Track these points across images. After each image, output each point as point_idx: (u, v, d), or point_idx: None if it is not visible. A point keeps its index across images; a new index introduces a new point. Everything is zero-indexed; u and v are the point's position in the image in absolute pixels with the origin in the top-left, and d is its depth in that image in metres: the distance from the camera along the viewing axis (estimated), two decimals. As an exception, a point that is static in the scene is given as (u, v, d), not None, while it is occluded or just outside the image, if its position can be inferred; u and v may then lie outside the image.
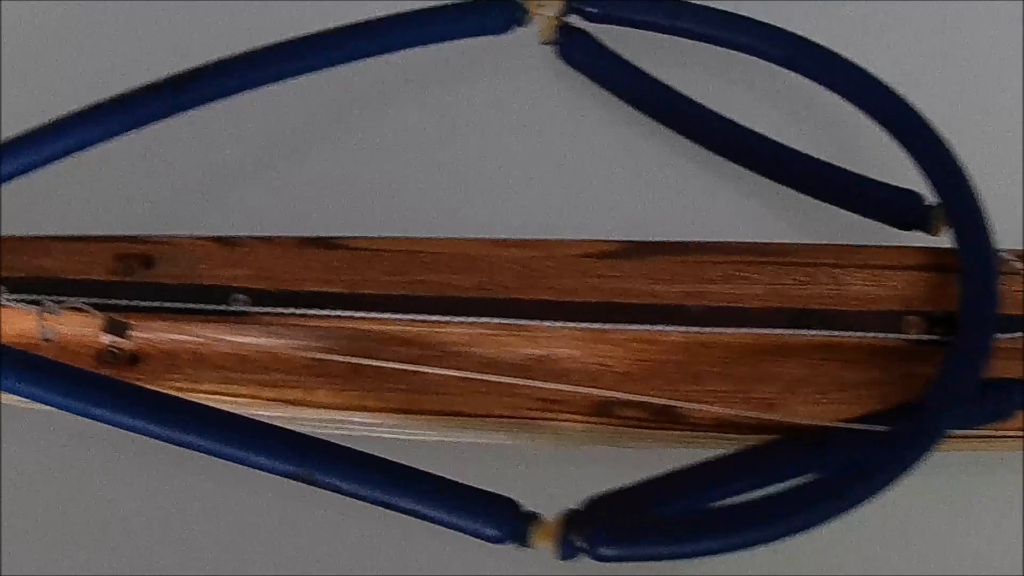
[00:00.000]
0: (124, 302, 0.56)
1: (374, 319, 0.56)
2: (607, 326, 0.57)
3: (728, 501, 0.56)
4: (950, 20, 0.77)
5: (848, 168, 0.64)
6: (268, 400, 0.57)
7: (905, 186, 0.64)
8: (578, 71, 0.64)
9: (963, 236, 0.61)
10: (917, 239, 0.64)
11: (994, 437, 0.61)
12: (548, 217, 0.60)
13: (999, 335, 0.60)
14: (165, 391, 0.54)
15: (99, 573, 0.55)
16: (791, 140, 0.63)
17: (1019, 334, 0.61)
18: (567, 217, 0.60)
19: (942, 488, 0.63)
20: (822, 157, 0.65)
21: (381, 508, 0.52)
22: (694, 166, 0.63)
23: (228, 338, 0.56)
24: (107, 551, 0.55)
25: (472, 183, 0.61)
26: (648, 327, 0.57)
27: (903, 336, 0.59)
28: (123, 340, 0.56)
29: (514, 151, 0.62)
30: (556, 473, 0.58)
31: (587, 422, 0.57)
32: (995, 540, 0.64)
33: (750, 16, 0.62)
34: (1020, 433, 0.62)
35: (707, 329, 0.57)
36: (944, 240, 0.63)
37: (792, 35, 0.63)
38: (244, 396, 0.57)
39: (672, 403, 0.57)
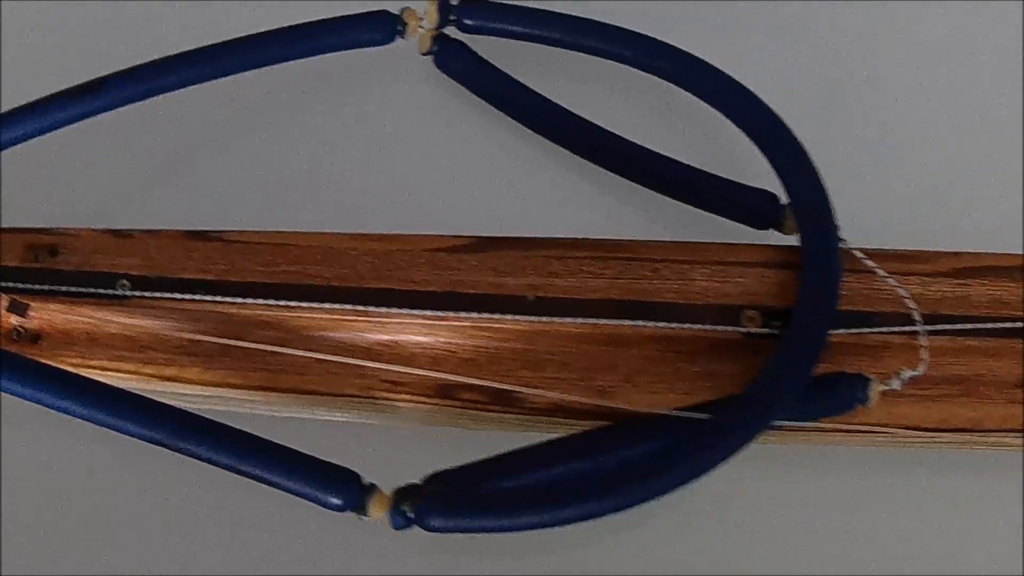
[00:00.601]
0: (30, 286, 0.64)
1: (241, 304, 0.62)
2: (450, 314, 0.62)
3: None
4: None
5: (707, 169, 0.67)
6: (148, 376, 0.63)
7: (761, 187, 0.66)
8: (453, 79, 0.69)
9: (807, 234, 0.63)
10: (774, 238, 0.66)
11: (838, 431, 0.63)
12: (410, 214, 0.65)
13: (842, 330, 0.62)
14: (61, 366, 0.62)
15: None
16: (657, 143, 0.66)
17: (865, 329, 0.63)
18: (427, 214, 0.65)
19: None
20: (690, 160, 0.68)
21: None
22: (562, 169, 0.67)
23: (114, 319, 0.63)
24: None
25: (343, 182, 0.67)
26: (487, 315, 0.61)
27: (740, 329, 0.62)
28: (25, 319, 0.64)
29: (385, 154, 0.68)
30: (407, 452, 0.63)
31: (430, 403, 0.62)
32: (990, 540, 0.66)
33: (616, 24, 0.65)
34: (866, 428, 0.64)
35: (544, 319, 0.61)
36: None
37: (652, 40, 0.66)
38: (128, 372, 0.64)
39: (510, 388, 0.62)
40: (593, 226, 0.65)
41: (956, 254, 0.67)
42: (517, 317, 0.61)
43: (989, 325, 0.65)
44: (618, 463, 0.59)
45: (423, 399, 0.62)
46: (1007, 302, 0.66)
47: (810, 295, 0.61)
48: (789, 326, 0.61)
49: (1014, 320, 0.65)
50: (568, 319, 0.61)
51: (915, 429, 0.64)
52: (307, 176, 0.66)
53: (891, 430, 0.64)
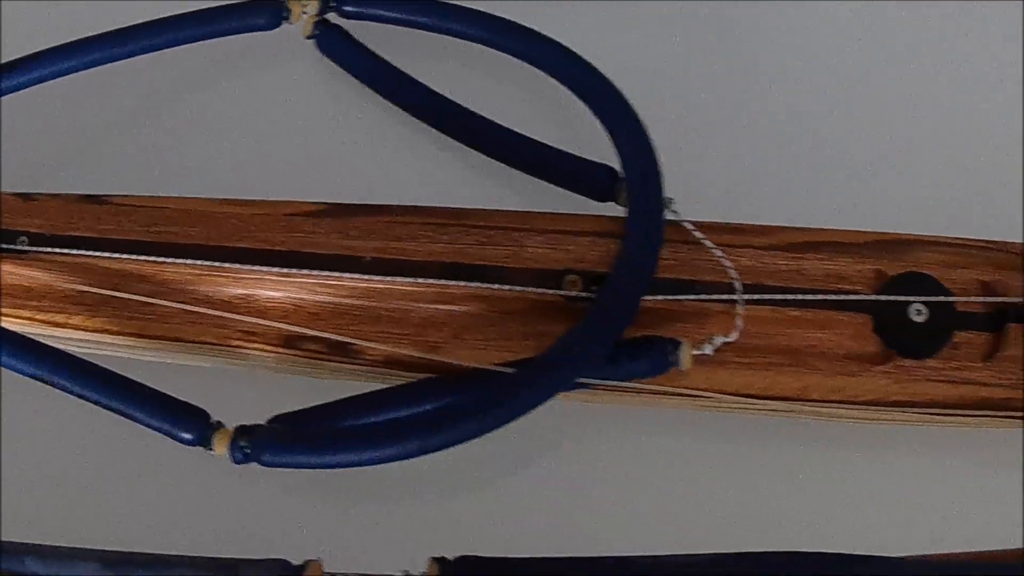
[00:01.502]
0: (-52, 242, 0.72)
1: (123, 260, 0.70)
2: (295, 271, 0.68)
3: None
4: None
5: (556, 146, 0.71)
6: (42, 322, 0.71)
7: (601, 161, 0.70)
8: (332, 60, 0.75)
9: (632, 204, 0.68)
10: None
11: (656, 392, 0.67)
12: (280, 182, 0.72)
13: (661, 296, 0.66)
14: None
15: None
16: (517, 120, 0.71)
17: (684, 296, 0.67)
18: (296, 183, 0.72)
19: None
20: (548, 136, 0.72)
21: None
22: (426, 143, 0.73)
23: (15, 271, 0.71)
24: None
25: (225, 153, 0.74)
26: (328, 273, 0.67)
27: (561, 292, 0.67)
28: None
29: (264, 129, 0.74)
30: (271, 398, 0.69)
31: (278, 352, 0.68)
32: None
33: (478, 9, 0.71)
34: (684, 391, 0.67)
35: (378, 277, 0.67)
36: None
37: (507, 22, 0.71)
38: (26, 319, 0.71)
39: (347, 340, 0.67)
40: (452, 196, 0.70)
41: (797, 229, 0.70)
42: (355, 275, 0.67)
43: (809, 296, 0.67)
44: (434, 412, 0.64)
45: (272, 348, 0.68)
46: (844, 276, 0.69)
47: (625, 262, 0.65)
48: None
49: (848, 293, 0.68)
50: (403, 279, 0.67)
51: (736, 395, 0.67)
52: (194, 147, 0.73)
53: (710, 394, 0.67)
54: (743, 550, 0.62)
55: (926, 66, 0.80)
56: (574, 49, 0.70)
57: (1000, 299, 0.70)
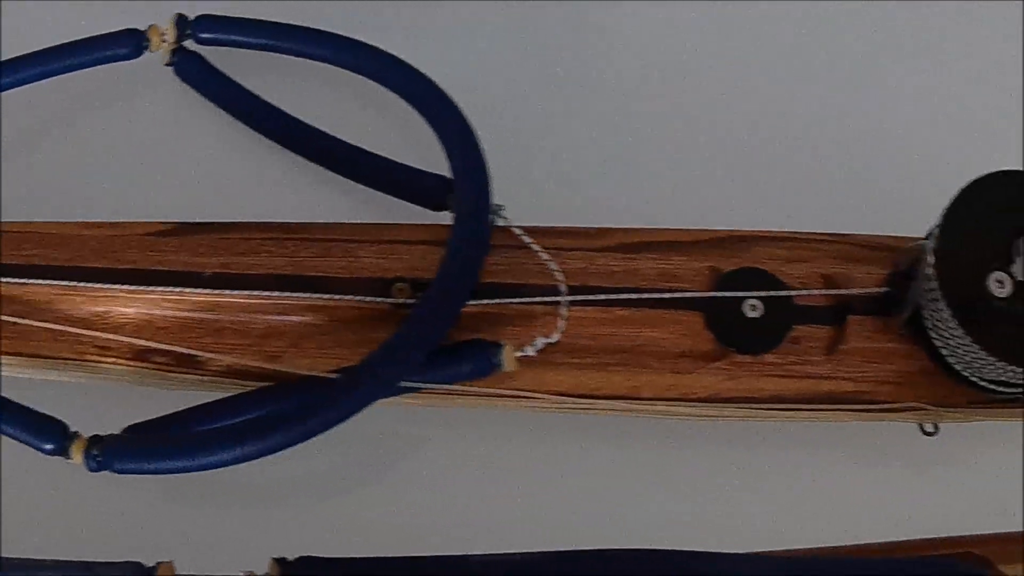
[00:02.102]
0: None
1: (-3, 283, 0.73)
2: (145, 288, 0.71)
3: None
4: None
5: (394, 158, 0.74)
6: (-72, 340, 0.75)
7: (434, 171, 0.73)
8: (190, 86, 0.78)
9: (458, 211, 0.70)
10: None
11: (485, 394, 0.69)
12: (139, 204, 0.75)
13: (486, 301, 0.68)
14: None
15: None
16: (358, 134, 0.74)
17: (509, 300, 0.69)
18: (153, 204, 0.75)
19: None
20: (405, 152, 0.75)
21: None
22: (280, 163, 0.76)
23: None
24: None
25: (90, 177, 0.78)
26: (173, 289, 0.71)
27: (389, 300, 0.69)
28: None
29: (127, 154, 0.78)
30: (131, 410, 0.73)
31: (130, 365, 0.71)
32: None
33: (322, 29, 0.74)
34: (514, 392, 0.69)
35: (218, 291, 0.70)
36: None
37: (346, 40, 0.74)
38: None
39: (192, 352, 0.70)
40: (304, 212, 0.73)
41: (631, 230, 0.72)
42: (197, 290, 0.70)
43: (635, 296, 0.68)
44: (263, 418, 0.67)
45: (125, 362, 0.71)
46: (678, 275, 0.70)
47: (447, 267, 0.67)
48: (430, 296, 0.67)
49: (680, 291, 0.69)
50: (241, 292, 0.69)
51: (567, 395, 0.69)
52: (62, 175, 0.77)
53: (540, 395, 0.69)
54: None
55: (761, 61, 0.81)
56: (406, 58, 0.72)
57: (841, 291, 0.70)
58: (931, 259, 0.66)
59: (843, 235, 0.73)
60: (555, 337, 0.67)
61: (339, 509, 0.73)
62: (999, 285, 0.64)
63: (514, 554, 0.63)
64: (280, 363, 0.69)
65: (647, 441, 0.76)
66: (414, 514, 0.73)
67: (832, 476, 0.76)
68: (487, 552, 0.62)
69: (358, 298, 0.68)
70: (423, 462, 0.74)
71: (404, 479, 0.74)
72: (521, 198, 0.71)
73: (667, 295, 0.68)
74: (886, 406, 0.72)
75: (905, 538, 0.71)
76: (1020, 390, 0.71)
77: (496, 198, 0.70)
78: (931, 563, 0.69)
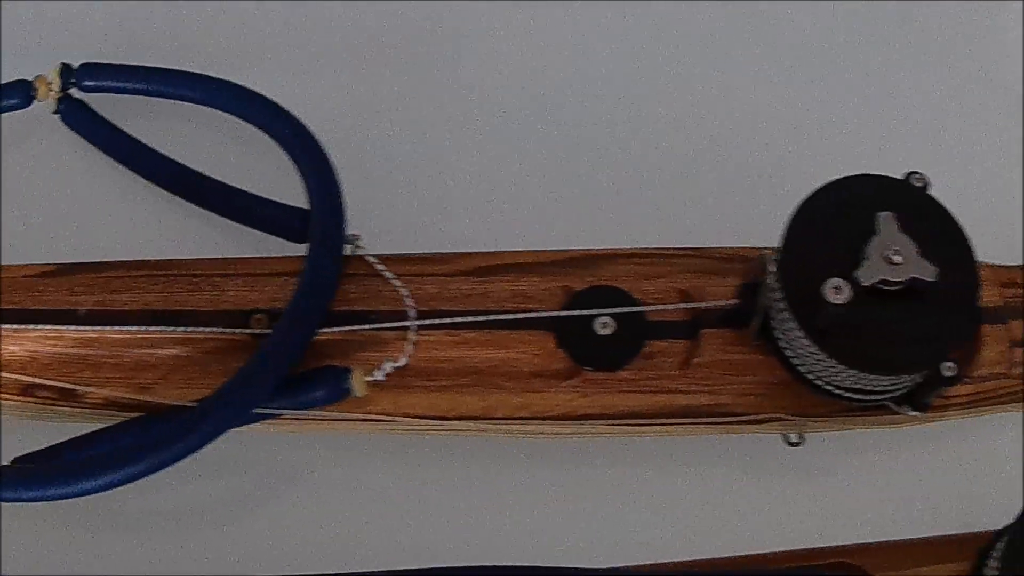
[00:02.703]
0: None
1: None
2: (31, 327, 0.75)
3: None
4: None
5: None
6: None
7: (296, 205, 0.75)
8: (77, 134, 0.82)
9: (312, 242, 0.72)
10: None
11: (341, 419, 0.71)
12: (30, 247, 0.79)
13: (337, 328, 0.70)
14: None
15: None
16: (238, 172, 0.77)
17: (360, 327, 0.71)
18: (40, 246, 0.79)
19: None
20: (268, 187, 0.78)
21: None
22: (158, 202, 0.80)
23: None
24: None
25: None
26: (52, 327, 0.74)
27: (248, 331, 0.72)
28: None
29: (16, 198, 0.82)
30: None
31: (18, 400, 0.75)
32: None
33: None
34: (370, 416, 0.71)
35: (93, 328, 0.74)
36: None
37: (224, 84, 0.76)
38: None
39: (72, 386, 0.74)
40: (183, 248, 0.76)
41: (486, 253, 0.73)
42: (74, 328, 0.73)
43: (483, 318, 0.70)
44: (125, 448, 0.70)
45: (13, 397, 0.75)
46: (530, 296, 0.72)
47: (299, 297, 0.70)
48: (285, 326, 0.70)
49: (531, 312, 0.71)
50: (117, 327, 0.73)
51: (422, 417, 0.71)
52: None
53: (395, 418, 0.71)
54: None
55: (611, 82, 0.82)
56: (271, 92, 0.74)
57: (692, 305, 0.71)
58: (772, 268, 0.67)
59: (699, 249, 0.74)
60: (402, 361, 0.69)
61: (226, 535, 0.75)
62: (836, 292, 0.64)
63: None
64: (151, 394, 0.72)
65: (531, 459, 0.77)
66: (297, 538, 0.75)
67: (710, 488, 0.77)
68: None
69: (219, 330, 0.71)
70: (307, 488, 0.77)
71: (288, 505, 0.76)
72: (382, 227, 0.74)
73: (514, 316, 0.70)
74: (746, 418, 0.72)
75: (780, 549, 0.72)
76: (880, 397, 0.71)
77: (354, 228, 0.73)
78: (805, 574, 0.69)
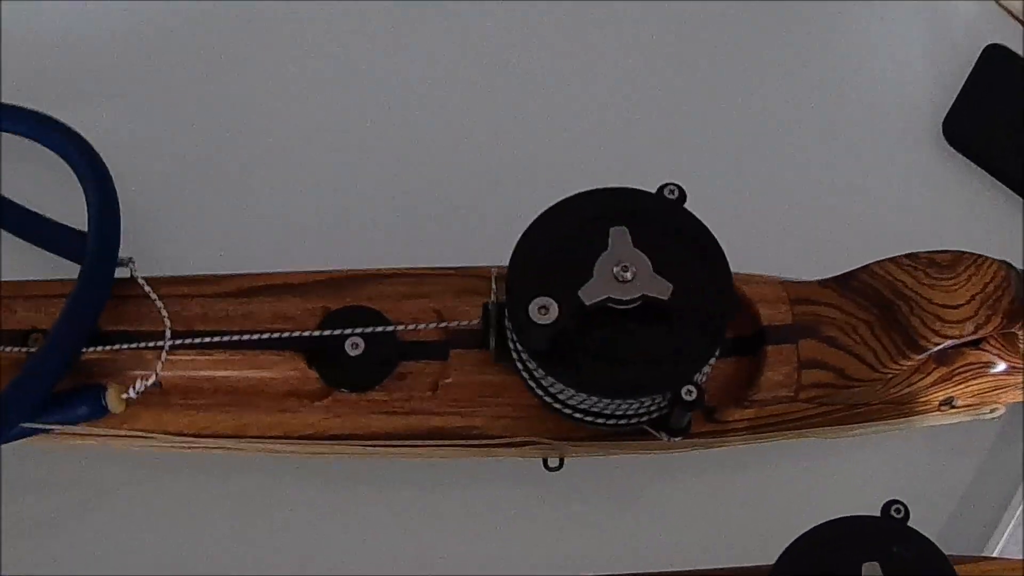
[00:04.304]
0: None
1: None
2: None
3: None
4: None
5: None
6: None
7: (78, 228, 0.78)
8: None
9: (84, 264, 0.74)
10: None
11: (105, 436, 0.74)
12: None
13: (100, 348, 0.73)
14: None
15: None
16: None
17: (128, 346, 0.73)
18: None
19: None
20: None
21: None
22: None
23: None
24: None
25: None
26: None
27: (25, 349, 0.75)
28: None
29: None
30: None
31: None
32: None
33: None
34: (131, 433, 0.74)
35: None
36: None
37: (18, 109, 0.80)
38: None
39: None
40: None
41: (253, 275, 0.75)
42: None
43: (236, 338, 0.71)
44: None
45: None
46: (290, 316, 0.73)
47: (63, 318, 0.73)
48: (51, 344, 0.73)
49: (287, 332, 0.72)
50: None
51: (179, 435, 0.73)
52: None
53: (155, 435, 0.73)
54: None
55: (355, 105, 0.82)
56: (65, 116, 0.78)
57: (443, 325, 0.71)
58: (495, 287, 0.66)
59: (462, 268, 0.73)
60: (152, 379, 0.71)
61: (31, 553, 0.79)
62: (542, 312, 0.63)
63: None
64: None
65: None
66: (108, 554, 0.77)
67: (467, 511, 0.76)
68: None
69: (6, 349, 0.74)
70: (116, 506, 0.79)
71: (100, 523, 0.78)
72: (164, 250, 0.76)
73: (261, 336, 0.70)
74: (500, 441, 0.71)
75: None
76: (632, 421, 0.69)
77: (134, 250, 0.75)
78: None
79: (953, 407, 0.76)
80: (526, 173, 0.78)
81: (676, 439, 0.69)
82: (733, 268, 0.70)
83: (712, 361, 0.66)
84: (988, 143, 0.85)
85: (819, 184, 0.83)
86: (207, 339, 0.71)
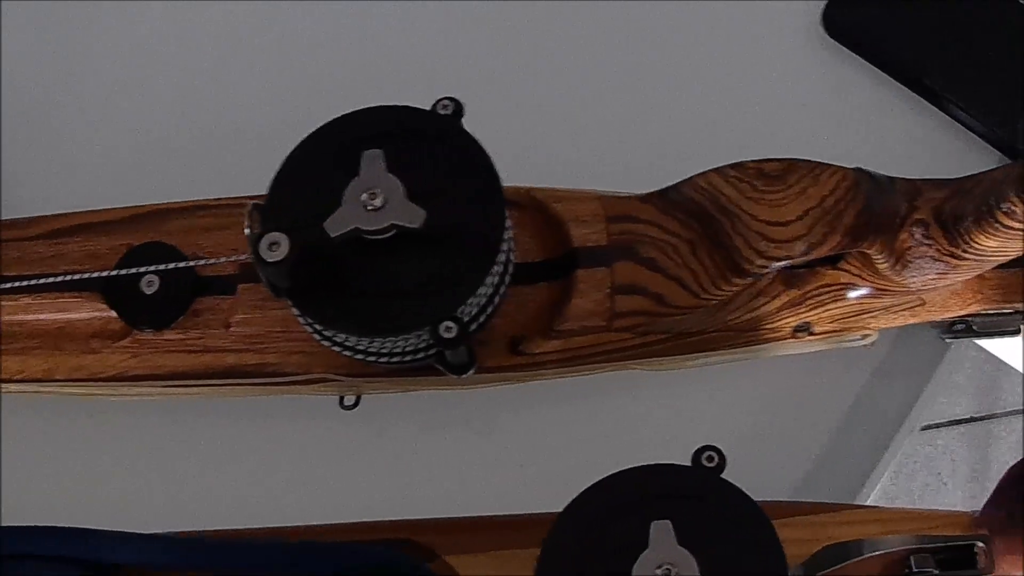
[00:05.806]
0: None
1: None
2: None
3: None
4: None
5: None
6: None
7: None
8: None
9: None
10: None
11: None
12: None
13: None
14: None
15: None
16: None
17: None
18: None
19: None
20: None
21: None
22: None
23: None
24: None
25: None
26: None
27: None
28: None
29: None
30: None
31: None
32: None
33: None
34: None
35: None
36: None
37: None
38: None
39: None
40: None
41: (55, 216, 0.73)
42: None
43: (36, 282, 0.70)
44: None
45: None
46: (99, 255, 0.72)
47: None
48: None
49: (89, 272, 0.70)
50: None
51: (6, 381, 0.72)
52: None
53: (-16, 381, 0.73)
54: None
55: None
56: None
57: (236, 259, 0.68)
58: (247, 221, 0.63)
59: (260, 196, 0.69)
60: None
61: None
62: (273, 248, 0.59)
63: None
64: None
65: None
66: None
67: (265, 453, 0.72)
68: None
69: None
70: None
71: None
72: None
73: (54, 279, 0.69)
74: (295, 378, 0.68)
75: (342, 521, 0.67)
76: (416, 357, 0.64)
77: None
78: (365, 551, 0.65)
79: (811, 334, 0.67)
80: (339, 96, 0.73)
81: (463, 376, 0.63)
82: (564, 184, 0.64)
83: (484, 292, 0.61)
84: (871, 33, 0.74)
85: (681, 84, 0.75)
86: (17, 283, 0.69)
